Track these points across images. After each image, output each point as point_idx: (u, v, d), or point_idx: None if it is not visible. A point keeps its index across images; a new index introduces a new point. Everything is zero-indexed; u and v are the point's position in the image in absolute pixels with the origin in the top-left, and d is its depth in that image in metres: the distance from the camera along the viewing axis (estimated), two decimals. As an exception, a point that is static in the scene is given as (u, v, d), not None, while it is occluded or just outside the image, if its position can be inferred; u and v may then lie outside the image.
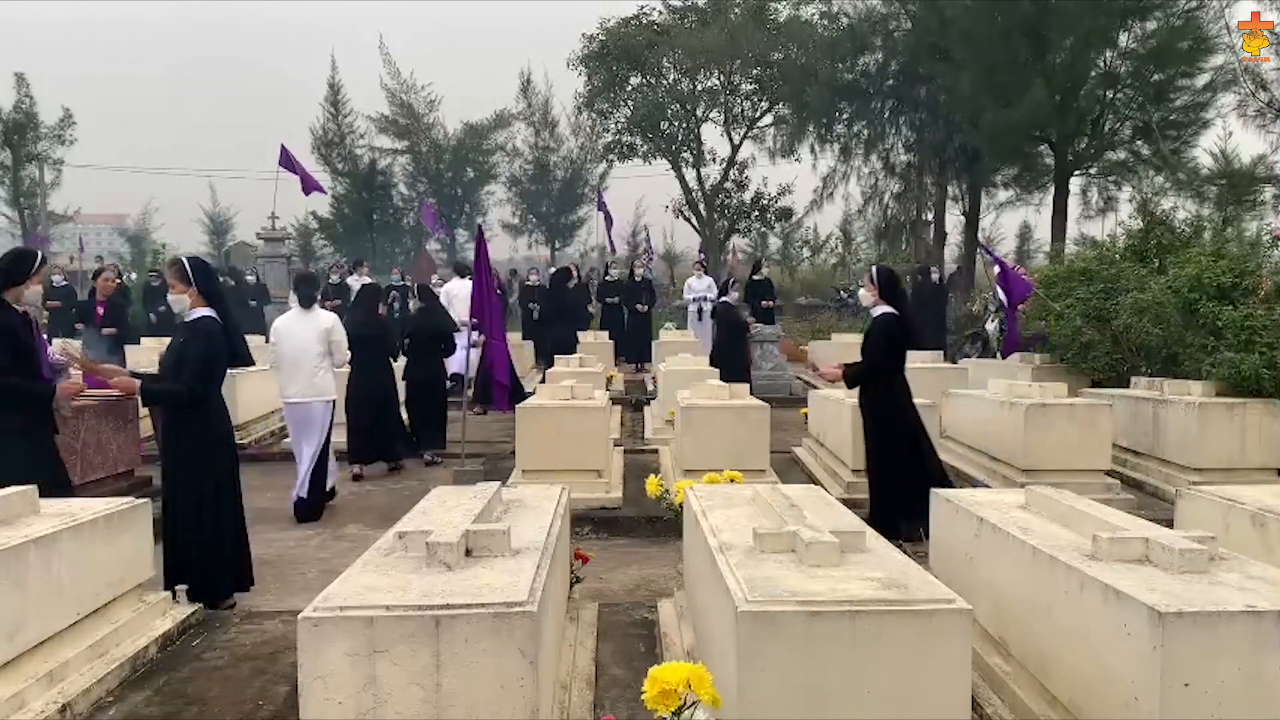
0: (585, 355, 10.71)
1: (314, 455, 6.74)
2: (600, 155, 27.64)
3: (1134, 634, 2.48)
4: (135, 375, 4.86)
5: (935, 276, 16.20)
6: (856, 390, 6.12)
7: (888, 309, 5.87)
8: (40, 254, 4.76)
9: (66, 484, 4.69)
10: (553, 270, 17.95)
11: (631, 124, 25.30)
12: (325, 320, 6.92)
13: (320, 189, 21.01)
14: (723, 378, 8.46)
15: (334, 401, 6.95)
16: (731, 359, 11.33)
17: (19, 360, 4.42)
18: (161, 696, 3.55)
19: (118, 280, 12.73)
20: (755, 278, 16.25)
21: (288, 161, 19.93)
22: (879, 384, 5.92)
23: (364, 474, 8.15)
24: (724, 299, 12.80)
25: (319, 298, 7.49)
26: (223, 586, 4.75)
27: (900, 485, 5.68)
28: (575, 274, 16.44)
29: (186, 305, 4.78)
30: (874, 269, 6.13)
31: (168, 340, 5.21)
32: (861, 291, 6.22)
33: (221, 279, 16.72)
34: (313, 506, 6.79)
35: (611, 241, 23.43)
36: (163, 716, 3.40)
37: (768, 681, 2.38)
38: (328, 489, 7.05)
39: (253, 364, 5.20)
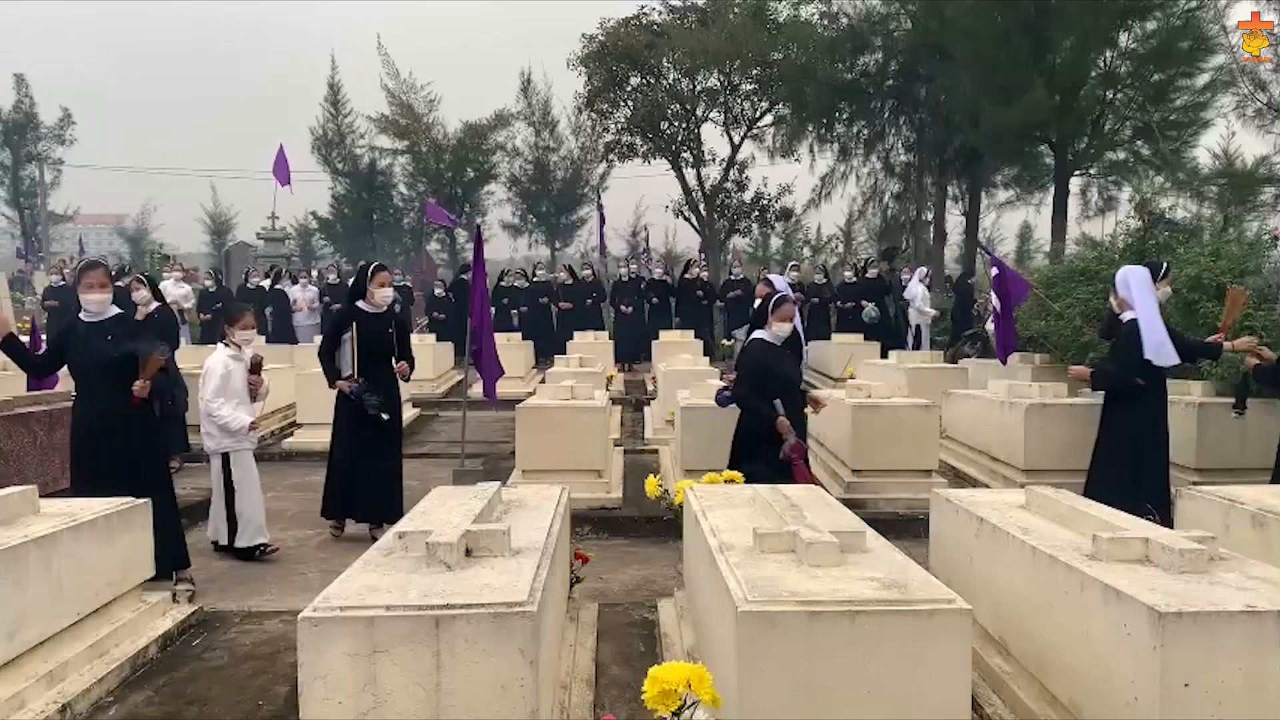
0: (585, 355, 10.70)
1: None
2: (600, 155, 27.59)
3: (1134, 634, 2.48)
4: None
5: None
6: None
7: None
8: None
9: None
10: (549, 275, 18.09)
11: (631, 124, 25.23)
12: None
13: (286, 183, 20.86)
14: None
15: None
16: None
17: None
18: (161, 696, 3.55)
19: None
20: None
21: (281, 163, 20.14)
22: None
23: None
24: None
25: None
26: None
27: None
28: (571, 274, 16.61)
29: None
30: None
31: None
32: None
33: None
34: None
35: (603, 242, 23.62)
36: (163, 716, 3.40)
37: (768, 681, 2.38)
38: None
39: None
